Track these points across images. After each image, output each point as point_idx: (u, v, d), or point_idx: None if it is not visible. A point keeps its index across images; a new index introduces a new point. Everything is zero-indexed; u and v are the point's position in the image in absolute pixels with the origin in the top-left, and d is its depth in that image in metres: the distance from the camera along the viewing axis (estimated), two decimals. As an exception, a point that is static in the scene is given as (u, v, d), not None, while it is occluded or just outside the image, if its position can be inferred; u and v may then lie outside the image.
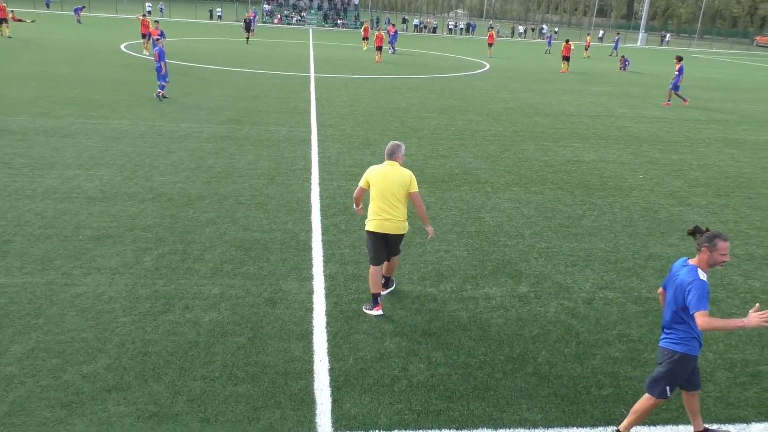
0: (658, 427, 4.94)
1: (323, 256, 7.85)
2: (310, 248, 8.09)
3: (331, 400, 5.02)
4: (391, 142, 6.42)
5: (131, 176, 10.73)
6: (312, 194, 10.36)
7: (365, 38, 44.12)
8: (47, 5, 69.57)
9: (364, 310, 6.49)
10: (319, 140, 14.47)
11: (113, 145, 12.83)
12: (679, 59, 23.51)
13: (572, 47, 35.61)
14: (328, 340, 5.92)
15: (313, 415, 4.83)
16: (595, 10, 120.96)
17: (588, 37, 52.82)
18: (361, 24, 64.62)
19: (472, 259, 8.10)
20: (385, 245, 6.46)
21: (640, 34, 78.75)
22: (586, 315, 6.74)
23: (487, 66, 36.44)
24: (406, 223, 6.46)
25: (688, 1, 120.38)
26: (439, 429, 4.74)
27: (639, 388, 5.42)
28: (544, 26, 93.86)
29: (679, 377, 4.45)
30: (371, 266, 6.47)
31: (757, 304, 3.97)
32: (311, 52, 37.87)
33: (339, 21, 75.76)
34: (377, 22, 75.08)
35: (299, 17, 74.58)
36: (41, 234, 8.04)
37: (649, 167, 13.65)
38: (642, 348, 6.13)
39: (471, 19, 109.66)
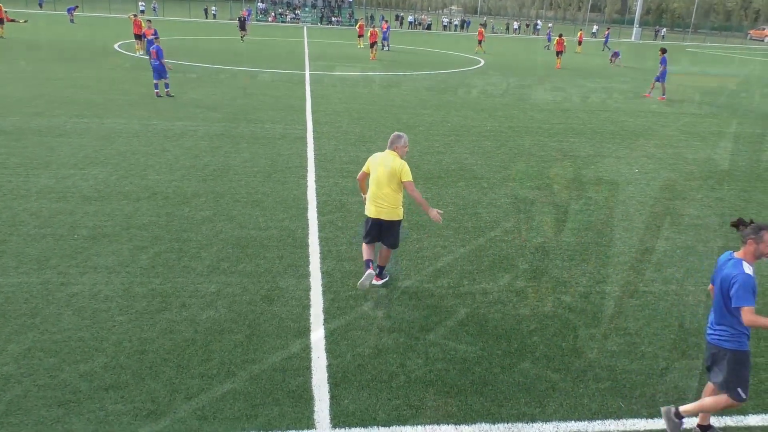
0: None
1: (320, 253, 7.84)
2: (306, 245, 8.08)
3: (329, 397, 5.01)
4: (394, 133, 6.72)
5: (126, 175, 10.69)
6: (308, 191, 10.35)
7: (360, 36, 44.04)
8: (40, 5, 69.22)
9: (359, 285, 6.65)
10: (314, 137, 14.45)
11: (108, 144, 12.78)
12: (663, 51, 23.68)
13: (565, 42, 35.63)
14: (326, 337, 5.92)
15: (311, 411, 4.82)
16: (589, 6, 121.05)
17: (581, 33, 52.85)
18: (356, 21, 64.53)
19: (468, 254, 8.10)
20: (378, 229, 6.75)
21: (634, 29, 78.83)
22: (583, 309, 6.75)
23: (482, 62, 36.44)
24: (400, 210, 6.66)
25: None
26: (438, 424, 4.74)
27: (637, 381, 5.44)
28: (539, 22, 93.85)
29: (743, 376, 4.37)
30: (363, 243, 6.86)
31: None
32: (306, 50, 37.80)
33: (333, 18, 75.62)
34: (371, 20, 74.95)
35: (293, 15, 74.39)
36: (36, 234, 8.01)
37: (645, 161, 13.67)
38: (639, 341, 6.15)
39: (465, 15, 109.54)
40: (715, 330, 4.40)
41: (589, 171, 12.58)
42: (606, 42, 56.18)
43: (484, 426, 4.74)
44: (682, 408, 4.68)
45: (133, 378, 5.12)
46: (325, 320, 6.22)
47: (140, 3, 71.83)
